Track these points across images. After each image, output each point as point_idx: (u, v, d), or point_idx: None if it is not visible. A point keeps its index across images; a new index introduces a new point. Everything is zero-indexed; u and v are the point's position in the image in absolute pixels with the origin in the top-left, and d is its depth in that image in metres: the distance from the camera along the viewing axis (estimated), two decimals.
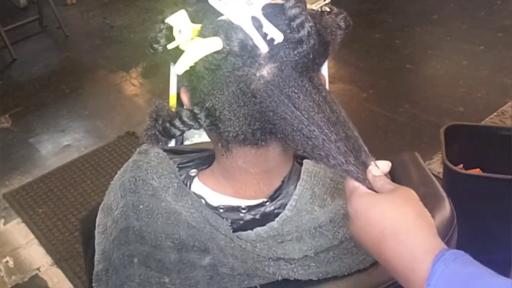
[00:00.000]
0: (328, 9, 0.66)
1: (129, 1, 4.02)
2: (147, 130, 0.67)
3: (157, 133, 0.66)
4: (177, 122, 0.65)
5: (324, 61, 0.67)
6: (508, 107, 2.51)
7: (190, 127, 0.65)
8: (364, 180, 0.61)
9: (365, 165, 0.61)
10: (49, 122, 2.86)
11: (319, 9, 0.66)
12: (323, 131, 0.60)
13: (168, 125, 0.65)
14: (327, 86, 0.66)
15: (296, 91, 0.60)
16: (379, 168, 0.62)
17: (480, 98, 2.61)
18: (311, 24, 0.60)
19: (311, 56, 0.61)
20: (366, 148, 0.62)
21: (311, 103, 0.61)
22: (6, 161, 2.57)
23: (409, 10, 3.52)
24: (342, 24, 0.66)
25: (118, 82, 3.16)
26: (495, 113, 2.48)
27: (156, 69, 3.03)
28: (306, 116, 0.60)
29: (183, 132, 0.66)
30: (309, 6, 0.64)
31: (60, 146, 2.68)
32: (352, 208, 0.60)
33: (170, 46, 0.62)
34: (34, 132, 2.79)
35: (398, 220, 0.55)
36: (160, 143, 0.67)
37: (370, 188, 0.60)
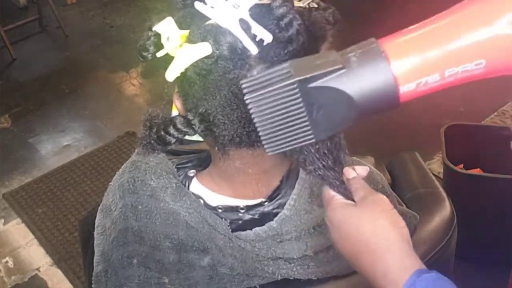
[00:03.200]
0: (315, 5, 0.66)
1: (129, 1, 4.01)
2: (142, 139, 0.66)
3: (152, 141, 0.65)
4: (172, 130, 0.64)
5: None
6: (508, 106, 2.50)
7: (185, 134, 0.65)
8: (340, 186, 0.61)
9: (343, 166, 0.61)
10: (49, 122, 2.85)
11: (307, 6, 0.65)
12: None
13: (163, 133, 0.65)
14: None
15: None
16: (357, 171, 0.62)
17: (480, 98, 2.61)
18: (299, 22, 0.59)
19: (301, 54, 0.61)
20: (346, 149, 0.62)
21: None
22: (6, 161, 2.57)
23: (409, 10, 3.51)
24: (330, 19, 0.65)
25: (118, 82, 3.16)
26: (495, 113, 2.48)
27: (156, 69, 3.03)
28: None
29: (178, 139, 0.65)
30: (296, 4, 0.64)
31: (60, 146, 2.68)
32: (328, 220, 0.60)
33: (159, 54, 0.62)
34: (34, 132, 2.79)
35: (372, 237, 0.55)
36: (156, 151, 0.67)
37: (346, 194, 0.60)
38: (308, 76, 0.41)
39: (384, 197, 0.58)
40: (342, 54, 0.44)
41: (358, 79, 0.41)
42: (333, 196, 0.61)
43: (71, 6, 4.06)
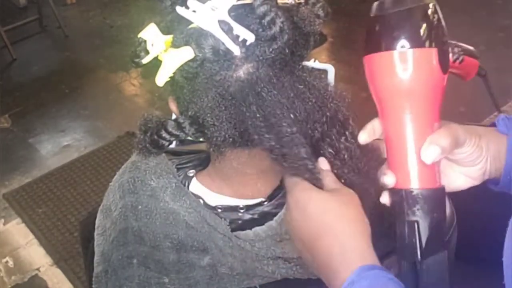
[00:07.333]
0: (302, 0, 0.66)
1: (129, 1, 4.01)
2: (138, 143, 0.66)
3: (147, 145, 0.66)
4: (164, 133, 0.64)
5: (307, 53, 0.66)
6: (508, 107, 2.50)
7: (176, 137, 0.65)
8: (312, 176, 0.61)
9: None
10: (49, 122, 2.86)
11: (294, 1, 0.65)
12: (288, 133, 0.60)
13: (156, 137, 0.65)
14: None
15: (268, 89, 0.60)
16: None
17: (480, 98, 2.61)
18: (282, 19, 0.58)
19: (287, 51, 0.61)
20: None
21: (283, 100, 0.60)
22: (6, 161, 2.57)
23: None
24: (320, 13, 0.65)
25: (118, 82, 3.16)
26: (495, 113, 2.48)
27: (156, 69, 3.03)
28: (271, 121, 0.60)
29: (171, 142, 0.66)
30: (285, 0, 0.64)
31: (60, 146, 2.68)
32: (294, 199, 0.60)
33: (145, 60, 0.62)
34: (34, 132, 2.79)
35: (338, 220, 0.56)
36: (152, 155, 0.67)
37: (317, 183, 0.61)
38: None
39: (355, 194, 0.60)
40: None
41: None
42: (302, 180, 0.61)
43: (71, 6, 4.07)
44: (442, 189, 0.60)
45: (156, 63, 0.63)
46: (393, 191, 0.59)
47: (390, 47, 0.54)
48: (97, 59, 3.40)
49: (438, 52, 0.54)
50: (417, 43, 0.53)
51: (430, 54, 0.54)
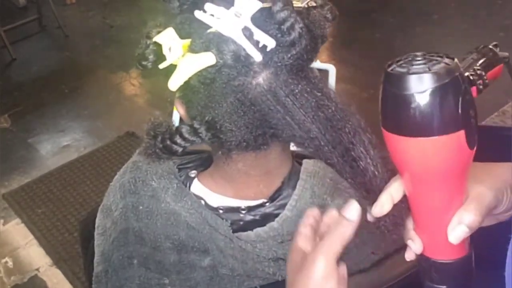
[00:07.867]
0: (314, 4, 0.65)
1: (129, 1, 4.01)
2: (146, 148, 0.64)
3: (157, 150, 0.64)
4: (178, 139, 0.63)
5: (315, 55, 0.65)
6: (509, 107, 2.50)
7: (192, 143, 0.63)
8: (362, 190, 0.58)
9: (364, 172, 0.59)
10: (48, 122, 2.86)
11: (306, 5, 0.65)
12: (322, 140, 0.59)
13: (168, 142, 0.63)
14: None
15: (291, 98, 0.59)
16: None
17: (481, 98, 2.60)
18: (301, 25, 0.58)
19: (305, 57, 0.60)
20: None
21: (308, 110, 0.59)
22: (6, 161, 2.57)
23: (409, 10, 3.52)
24: (329, 16, 0.65)
25: (118, 82, 3.16)
26: (496, 113, 2.48)
27: (156, 69, 3.03)
28: (300, 126, 0.59)
29: (184, 148, 0.64)
30: (295, 3, 0.63)
31: (59, 146, 2.68)
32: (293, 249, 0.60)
33: (162, 66, 0.60)
34: (33, 132, 2.79)
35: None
36: (162, 160, 0.66)
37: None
38: None
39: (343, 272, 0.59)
40: None
41: None
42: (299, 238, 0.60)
43: (71, 6, 4.07)
44: (471, 253, 0.56)
45: (156, 65, 0.62)
46: (421, 257, 0.55)
47: (418, 134, 0.47)
48: (97, 59, 3.41)
49: (466, 132, 0.47)
50: (446, 129, 0.46)
51: (458, 137, 0.47)
